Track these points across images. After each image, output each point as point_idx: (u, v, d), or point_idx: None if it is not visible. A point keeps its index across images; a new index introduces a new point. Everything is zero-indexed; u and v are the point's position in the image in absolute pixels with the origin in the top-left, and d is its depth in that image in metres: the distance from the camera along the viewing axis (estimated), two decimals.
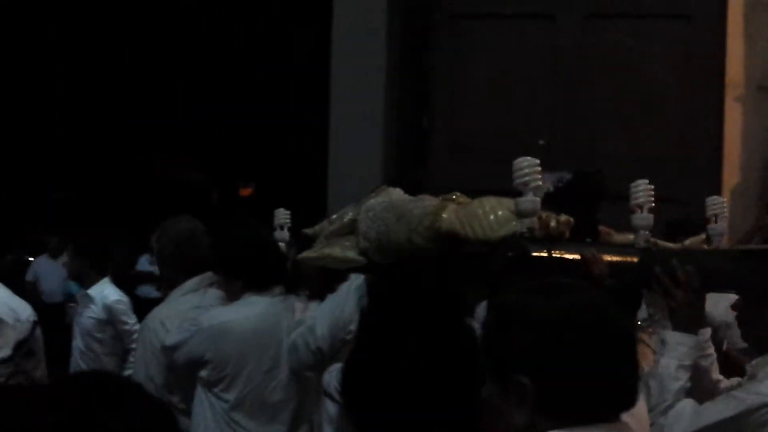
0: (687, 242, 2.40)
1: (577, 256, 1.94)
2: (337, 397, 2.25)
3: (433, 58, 5.25)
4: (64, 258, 8.91)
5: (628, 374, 1.29)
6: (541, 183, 1.94)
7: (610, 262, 1.97)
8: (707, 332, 2.15)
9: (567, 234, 1.97)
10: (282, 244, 2.92)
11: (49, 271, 8.83)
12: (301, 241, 2.60)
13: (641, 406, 1.69)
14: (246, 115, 10.98)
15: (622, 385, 1.29)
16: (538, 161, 1.96)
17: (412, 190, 2.35)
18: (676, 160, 4.81)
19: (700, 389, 2.09)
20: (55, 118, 11.67)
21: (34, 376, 3.56)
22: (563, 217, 1.97)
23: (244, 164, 11.89)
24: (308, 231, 2.48)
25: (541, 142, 4.98)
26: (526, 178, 1.93)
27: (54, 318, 6.07)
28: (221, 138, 11.51)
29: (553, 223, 1.96)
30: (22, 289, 7.73)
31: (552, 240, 1.93)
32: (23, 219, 11.14)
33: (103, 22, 10.80)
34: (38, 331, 3.87)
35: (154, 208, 3.35)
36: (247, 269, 2.83)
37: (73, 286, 6.05)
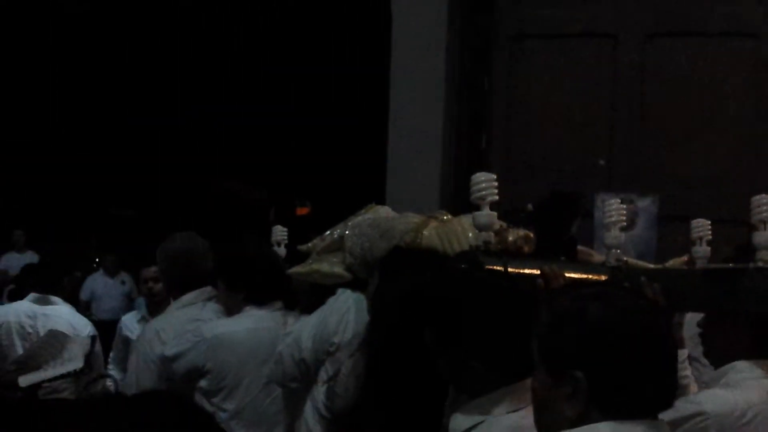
0: (669, 263, 2.44)
1: (535, 271, 1.98)
2: (325, 412, 2.37)
3: (493, 78, 5.23)
4: (121, 276, 9.07)
5: (668, 376, 1.43)
6: (497, 198, 2.00)
7: (580, 280, 2.02)
8: (684, 353, 2.18)
9: (526, 249, 2.03)
10: None
11: (105, 288, 8.89)
12: (295, 257, 2.70)
13: None
14: (305, 136, 11.09)
15: (662, 385, 1.43)
16: (494, 176, 2.04)
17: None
18: (741, 181, 4.70)
19: None
20: (114, 138, 11.94)
21: (93, 390, 3.64)
22: (522, 232, 2.03)
23: (301, 183, 11.98)
24: (302, 247, 2.61)
25: (601, 162, 4.92)
26: (483, 193, 2.00)
27: (109, 335, 6.16)
28: (280, 158, 11.63)
29: (510, 238, 2.02)
30: (77, 306, 7.87)
31: (509, 254, 1.99)
32: (82, 236, 11.37)
33: (165, 49, 11.04)
34: (98, 347, 3.95)
35: (212, 225, 3.41)
36: (249, 283, 2.93)
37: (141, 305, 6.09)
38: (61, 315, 3.94)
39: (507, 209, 2.31)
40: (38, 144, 11.96)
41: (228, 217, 3.25)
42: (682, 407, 2.01)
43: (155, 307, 4.15)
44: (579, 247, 2.40)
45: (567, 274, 2.01)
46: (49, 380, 3.36)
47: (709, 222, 2.34)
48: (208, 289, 3.12)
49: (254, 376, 2.85)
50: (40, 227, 10.60)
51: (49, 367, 2.93)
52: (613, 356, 1.39)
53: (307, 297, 2.77)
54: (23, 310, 3.93)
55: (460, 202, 5.32)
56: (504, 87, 5.21)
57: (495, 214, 2.00)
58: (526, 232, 2.05)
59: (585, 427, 1.39)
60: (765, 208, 2.08)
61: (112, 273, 9.00)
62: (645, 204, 4.80)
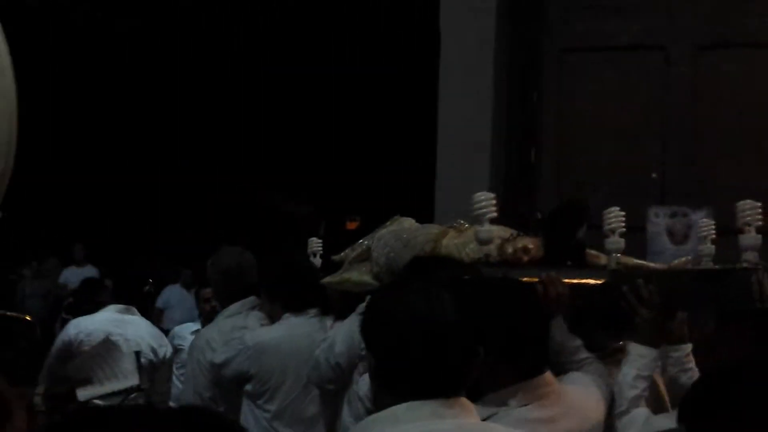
0: (674, 263, 2.59)
1: (533, 279, 2.14)
2: (368, 404, 2.49)
3: (542, 92, 5.21)
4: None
5: (447, 360, 1.53)
6: (495, 214, 2.22)
7: (581, 284, 2.21)
8: (687, 348, 2.27)
9: (525, 259, 2.21)
10: None
11: (179, 300, 9.12)
12: (330, 266, 2.95)
13: (590, 404, 2.04)
14: (355, 152, 11.16)
15: (445, 368, 1.53)
16: (493, 195, 2.27)
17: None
18: None
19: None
20: (175, 157, 12.15)
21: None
22: (521, 244, 2.22)
23: (351, 198, 12.06)
24: (336, 257, 2.85)
25: (653, 175, 4.86)
26: (483, 210, 2.23)
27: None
28: (331, 174, 11.71)
29: (510, 250, 2.21)
30: (149, 315, 8.02)
31: (509, 264, 2.18)
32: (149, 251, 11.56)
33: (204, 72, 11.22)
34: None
35: (263, 239, 3.55)
36: (286, 292, 3.19)
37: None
38: (140, 326, 4.11)
39: (520, 218, 2.48)
40: (98, 162, 12.24)
41: (277, 231, 3.45)
42: None
43: (209, 323, 4.31)
44: (588, 251, 2.53)
45: (566, 280, 2.17)
46: (107, 395, 3.41)
47: (712, 222, 2.49)
48: (252, 299, 3.35)
49: (294, 379, 3.10)
50: (99, 242, 10.84)
51: (106, 382, 2.99)
52: (393, 342, 1.51)
53: (339, 304, 2.94)
54: (109, 320, 4.05)
55: (509, 216, 5.30)
56: (553, 101, 5.19)
57: (495, 228, 2.21)
58: (525, 244, 2.22)
59: (385, 411, 1.49)
60: (749, 212, 2.25)
61: (189, 286, 9.21)
62: (698, 217, 4.72)
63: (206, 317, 4.79)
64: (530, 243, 2.27)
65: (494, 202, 2.22)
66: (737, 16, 4.89)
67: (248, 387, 3.15)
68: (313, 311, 3.19)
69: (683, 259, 2.51)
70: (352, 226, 13.28)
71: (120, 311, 4.09)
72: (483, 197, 2.24)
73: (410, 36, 8.52)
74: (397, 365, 1.52)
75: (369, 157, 11.34)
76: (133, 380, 3.03)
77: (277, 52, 11.02)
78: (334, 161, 11.58)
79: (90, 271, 9.72)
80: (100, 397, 3.45)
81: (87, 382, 2.89)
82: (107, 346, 3.27)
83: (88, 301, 5.90)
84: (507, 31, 5.11)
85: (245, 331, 3.23)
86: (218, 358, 3.19)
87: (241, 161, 11.99)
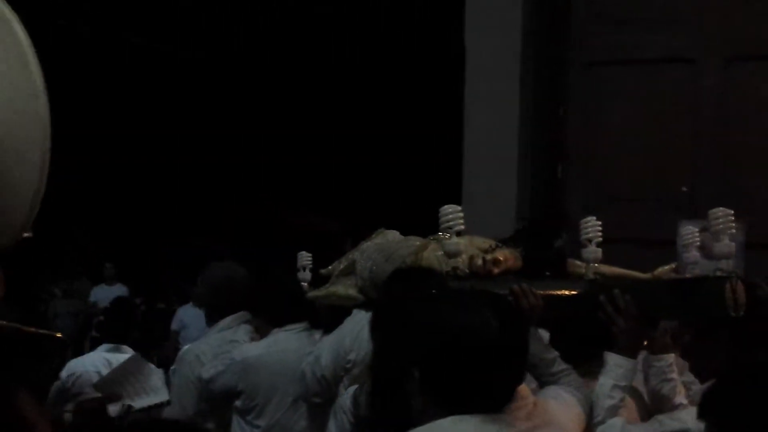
0: (657, 271, 2.54)
1: (504, 291, 2.13)
2: (350, 417, 2.49)
3: (568, 106, 5.19)
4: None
5: (499, 374, 1.54)
6: (463, 227, 2.23)
7: (557, 295, 2.21)
8: (670, 358, 2.25)
9: (496, 271, 2.22)
10: (305, 284, 3.25)
11: (192, 319, 9.11)
12: (319, 280, 2.98)
13: (569, 416, 1.98)
14: (379, 168, 11.18)
15: (494, 383, 1.54)
16: (460, 208, 2.28)
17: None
18: None
19: (659, 412, 2.22)
20: (194, 171, 12.25)
21: None
22: (490, 257, 2.24)
23: (376, 215, 12.07)
24: (323, 271, 2.88)
25: (683, 189, 4.81)
26: (450, 223, 2.24)
27: None
28: (357, 190, 11.74)
29: (479, 262, 2.23)
30: (167, 337, 8.05)
31: (478, 277, 2.19)
32: (164, 268, 11.65)
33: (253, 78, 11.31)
34: None
35: (289, 256, 3.55)
36: (270, 308, 3.21)
37: None
38: None
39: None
40: (128, 182, 12.38)
41: (302, 248, 3.44)
42: (667, 423, 2.14)
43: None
44: (572, 261, 2.53)
45: (539, 291, 2.17)
46: (137, 410, 3.43)
47: (696, 229, 2.48)
48: (242, 314, 3.36)
49: (282, 395, 3.10)
50: (130, 261, 10.93)
51: (136, 398, 3.00)
52: (442, 355, 1.51)
53: (327, 318, 2.97)
54: (99, 360, 4.05)
55: (539, 230, 5.27)
56: (580, 115, 5.16)
57: (462, 241, 2.23)
58: (497, 256, 2.25)
59: (429, 424, 1.50)
60: (721, 220, 2.26)
61: (200, 304, 9.18)
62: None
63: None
64: (502, 255, 2.28)
65: (461, 215, 2.25)
66: (764, 27, 4.84)
67: (237, 403, 3.16)
68: (300, 326, 3.19)
69: (666, 267, 2.49)
70: None
71: (110, 350, 4.08)
72: (450, 210, 2.27)
73: (435, 53, 8.54)
74: (444, 379, 1.52)
75: (394, 172, 11.35)
76: (163, 396, 3.03)
77: (301, 76, 11.10)
78: (358, 177, 11.61)
79: (120, 289, 9.78)
80: (132, 412, 3.47)
81: (117, 398, 2.90)
82: (137, 363, 3.28)
83: (119, 319, 5.96)
84: (533, 45, 5.10)
85: (235, 344, 3.26)
86: (206, 374, 3.20)
87: (268, 181, 12.06)
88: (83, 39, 10.79)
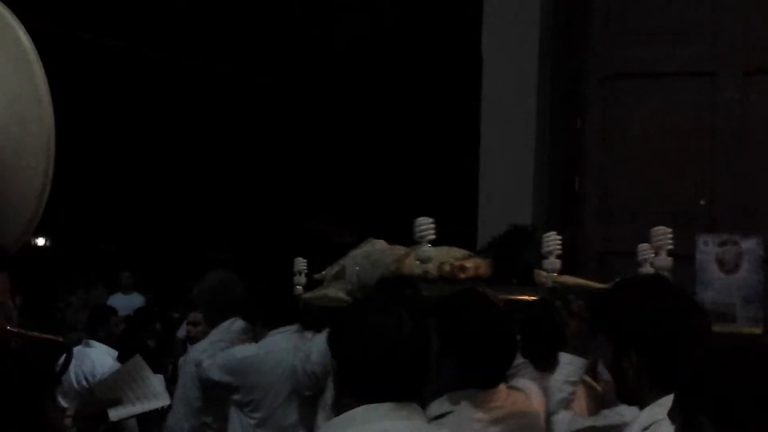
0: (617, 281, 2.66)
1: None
2: (332, 412, 2.68)
3: (586, 119, 5.17)
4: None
5: (406, 366, 1.72)
6: (434, 236, 2.54)
7: (519, 300, 2.54)
8: (578, 361, 2.46)
9: (462, 276, 2.50)
10: (300, 287, 3.50)
11: None
12: (314, 284, 3.23)
13: (533, 405, 2.34)
14: (395, 180, 11.18)
15: (402, 373, 1.71)
16: (432, 220, 2.58)
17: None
18: None
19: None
20: (209, 182, 12.29)
21: None
22: (458, 263, 2.52)
23: (391, 226, 12.03)
24: (317, 276, 3.14)
25: (702, 202, 4.78)
26: (423, 233, 2.57)
27: None
28: (372, 201, 11.74)
29: (447, 268, 2.51)
30: (174, 346, 8.07)
31: (445, 280, 2.48)
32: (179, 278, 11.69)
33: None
34: None
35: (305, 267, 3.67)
36: (263, 312, 3.51)
37: None
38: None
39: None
40: (144, 192, 12.44)
41: (318, 259, 3.60)
42: (609, 416, 2.37)
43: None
44: (538, 272, 2.78)
45: (505, 296, 2.47)
46: (137, 415, 3.44)
47: (669, 230, 2.62)
48: (239, 320, 3.69)
49: (277, 391, 3.38)
50: (147, 270, 10.97)
51: (137, 402, 2.97)
52: (356, 350, 1.71)
53: (319, 318, 3.20)
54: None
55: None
56: (598, 128, 5.14)
57: (433, 249, 2.52)
58: (462, 263, 2.52)
59: (344, 414, 1.68)
60: (661, 237, 2.50)
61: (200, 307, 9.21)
62: (750, 245, 4.60)
63: (189, 338, 4.99)
64: (472, 263, 2.56)
65: (433, 226, 2.54)
66: None
67: (236, 397, 3.46)
68: (293, 327, 3.47)
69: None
70: None
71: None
72: (423, 222, 2.56)
73: (452, 65, 8.55)
74: (358, 371, 1.72)
75: (410, 184, 11.34)
76: (164, 400, 3.01)
77: (320, 86, 11.14)
78: (375, 188, 11.61)
79: (137, 298, 9.82)
80: (131, 417, 3.50)
81: (117, 402, 2.88)
82: (136, 366, 3.24)
83: (141, 328, 6.07)
84: (550, 58, 5.09)
85: (230, 346, 3.56)
86: (206, 374, 3.52)
87: (286, 191, 12.09)
88: (111, 52, 10.89)
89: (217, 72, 11.52)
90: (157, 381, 2.93)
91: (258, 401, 3.43)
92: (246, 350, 3.51)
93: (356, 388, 1.72)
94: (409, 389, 1.75)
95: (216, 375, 3.50)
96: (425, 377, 1.79)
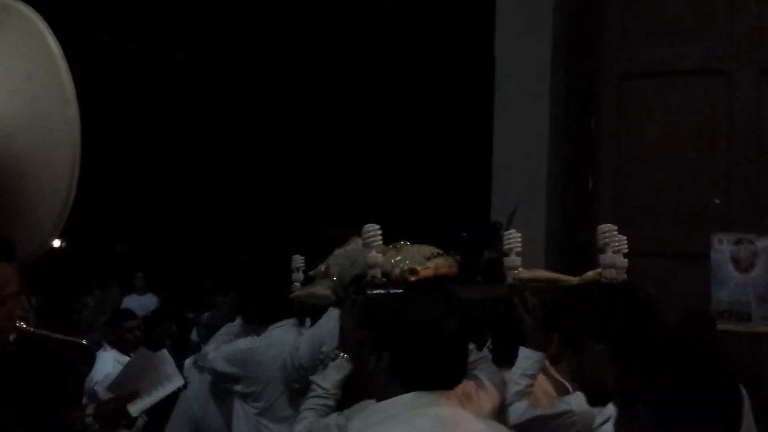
0: (585, 276, 2.73)
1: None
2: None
3: (600, 119, 5.16)
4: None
5: (450, 359, 1.84)
6: (381, 243, 2.61)
7: (476, 298, 2.60)
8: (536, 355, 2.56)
9: (412, 279, 2.57)
10: (297, 284, 3.60)
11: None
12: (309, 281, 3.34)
13: (492, 389, 2.48)
14: (407, 182, 11.17)
15: (447, 365, 1.84)
16: (379, 227, 2.62)
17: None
18: None
19: None
20: (225, 184, 12.34)
21: None
22: (407, 267, 2.59)
23: (403, 229, 12.02)
24: (311, 273, 3.25)
25: (716, 201, 4.76)
26: (370, 240, 2.61)
27: None
28: (384, 203, 11.74)
29: (396, 272, 2.59)
30: (188, 347, 8.10)
31: (394, 284, 2.55)
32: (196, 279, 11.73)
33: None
34: None
35: (311, 266, 3.70)
36: (259, 307, 3.73)
37: None
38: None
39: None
40: (159, 193, 12.51)
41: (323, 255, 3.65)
42: (558, 405, 2.52)
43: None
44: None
45: (468, 294, 2.55)
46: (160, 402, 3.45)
47: (614, 227, 2.59)
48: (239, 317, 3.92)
49: (276, 382, 3.52)
50: (161, 271, 11.02)
51: (153, 391, 2.95)
52: (409, 342, 1.81)
53: (312, 314, 3.35)
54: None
55: (568, 244, 5.24)
56: (612, 127, 5.13)
57: (380, 255, 2.58)
58: (411, 266, 2.59)
59: (392, 399, 1.78)
60: (607, 234, 2.53)
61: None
62: (765, 244, 4.59)
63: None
64: (430, 263, 2.62)
65: (380, 232, 2.61)
66: None
67: (238, 387, 3.65)
68: (290, 321, 3.62)
69: (592, 273, 2.65)
70: None
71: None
72: (371, 228, 2.63)
73: (465, 66, 8.54)
74: (411, 360, 1.81)
75: (423, 186, 11.34)
76: (178, 381, 2.99)
77: (330, 86, 11.16)
78: (385, 192, 11.62)
79: (150, 299, 9.86)
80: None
81: (134, 396, 2.86)
82: (144, 357, 3.22)
83: (156, 330, 6.10)
84: (564, 58, 5.08)
85: (234, 339, 3.78)
86: (210, 364, 3.73)
87: (297, 193, 12.12)
88: (125, 54, 10.95)
89: (229, 72, 11.57)
90: (166, 363, 2.91)
91: (259, 392, 3.61)
92: (249, 342, 3.71)
93: (407, 376, 1.80)
94: (453, 379, 1.86)
95: (220, 366, 3.70)
96: (465, 368, 1.91)
